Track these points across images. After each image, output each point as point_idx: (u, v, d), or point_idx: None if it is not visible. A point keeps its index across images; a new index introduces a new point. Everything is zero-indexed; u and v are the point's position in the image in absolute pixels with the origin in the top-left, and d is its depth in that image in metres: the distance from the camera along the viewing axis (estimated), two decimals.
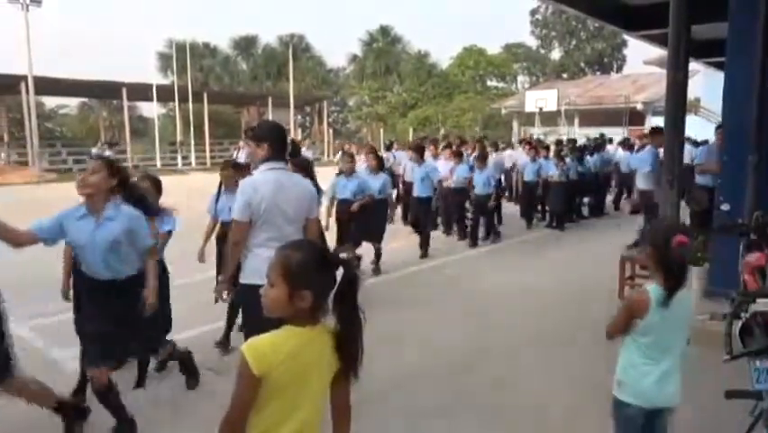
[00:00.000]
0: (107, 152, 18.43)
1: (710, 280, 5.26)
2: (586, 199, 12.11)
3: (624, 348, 2.36)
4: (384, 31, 49.84)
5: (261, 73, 49.18)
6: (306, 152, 17.42)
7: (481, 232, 9.20)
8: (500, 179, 10.48)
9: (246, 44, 50.49)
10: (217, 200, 4.84)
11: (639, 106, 29.73)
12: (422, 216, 8.39)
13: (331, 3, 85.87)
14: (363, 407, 3.60)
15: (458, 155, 9.49)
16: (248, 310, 3.33)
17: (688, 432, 3.24)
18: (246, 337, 3.32)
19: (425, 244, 8.13)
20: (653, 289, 2.26)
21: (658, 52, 11.97)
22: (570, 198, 10.84)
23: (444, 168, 9.25)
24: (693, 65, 11.97)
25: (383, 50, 49.08)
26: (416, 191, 8.39)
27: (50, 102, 41.33)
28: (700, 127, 19.02)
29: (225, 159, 6.57)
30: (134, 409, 3.42)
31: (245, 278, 3.20)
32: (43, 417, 3.21)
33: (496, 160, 11.60)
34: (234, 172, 4.74)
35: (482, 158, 9.30)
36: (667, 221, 2.82)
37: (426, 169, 8.45)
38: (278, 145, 3.17)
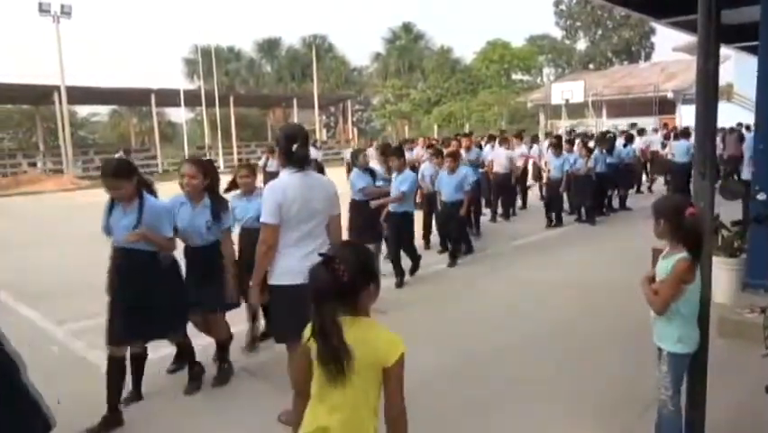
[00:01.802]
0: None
1: (747, 273, 5.13)
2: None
3: (673, 314, 2.62)
4: (406, 28, 49.76)
5: (286, 75, 49.59)
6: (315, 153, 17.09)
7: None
8: (478, 181, 9.11)
9: (269, 47, 50.97)
10: (109, 216, 3.54)
11: (669, 95, 29.08)
12: (404, 234, 6.74)
13: (353, 2, 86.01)
14: None
15: (439, 155, 8.03)
16: (276, 311, 3.37)
17: (727, 427, 3.18)
18: (275, 337, 3.38)
19: (413, 268, 6.88)
20: (687, 256, 2.56)
21: (687, 39, 11.68)
22: (597, 190, 10.57)
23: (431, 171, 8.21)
24: (724, 50, 11.64)
25: (406, 47, 48.99)
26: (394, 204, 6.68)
27: (82, 110, 42.47)
28: (734, 114, 18.53)
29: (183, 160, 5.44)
30: (169, 409, 3.51)
31: (276, 279, 3.24)
32: None
33: (497, 153, 10.78)
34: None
35: (451, 157, 7.61)
36: (675, 197, 2.96)
37: (408, 176, 6.74)
38: (287, 149, 3.22)
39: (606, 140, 12.00)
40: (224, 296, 3.98)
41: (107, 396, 3.45)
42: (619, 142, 12.48)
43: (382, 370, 1.74)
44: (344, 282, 1.70)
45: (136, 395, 3.80)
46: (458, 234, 7.70)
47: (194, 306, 3.92)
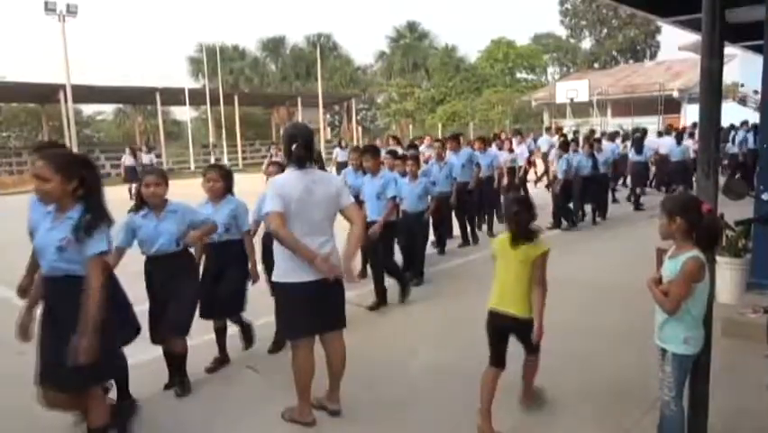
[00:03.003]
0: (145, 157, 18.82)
1: (752, 272, 5.11)
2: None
3: (683, 314, 2.62)
4: (411, 26, 49.68)
5: (290, 73, 49.60)
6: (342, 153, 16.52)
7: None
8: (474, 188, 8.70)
9: (274, 45, 50.99)
10: None
11: (675, 94, 28.93)
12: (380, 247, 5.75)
13: (357, 1, 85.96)
14: (401, 404, 3.64)
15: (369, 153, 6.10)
16: (280, 309, 3.38)
17: (729, 426, 3.17)
18: (277, 333, 3.40)
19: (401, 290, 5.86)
20: (699, 254, 2.58)
21: (693, 37, 11.63)
22: (583, 192, 10.22)
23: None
24: (730, 49, 11.58)
25: (410, 45, 48.91)
26: (371, 212, 5.71)
27: (88, 109, 42.63)
28: (739, 113, 18.45)
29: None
30: (171, 407, 3.53)
31: (279, 277, 3.26)
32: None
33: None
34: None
35: (414, 161, 6.55)
36: (687, 195, 2.92)
37: (382, 181, 5.76)
38: (287, 149, 3.28)
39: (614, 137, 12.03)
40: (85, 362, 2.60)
41: None
42: (655, 139, 12.64)
43: (533, 261, 3.13)
44: (523, 220, 3.14)
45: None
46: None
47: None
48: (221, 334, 4.38)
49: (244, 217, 4.28)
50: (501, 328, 3.30)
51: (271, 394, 3.79)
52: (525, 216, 3.13)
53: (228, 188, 4.31)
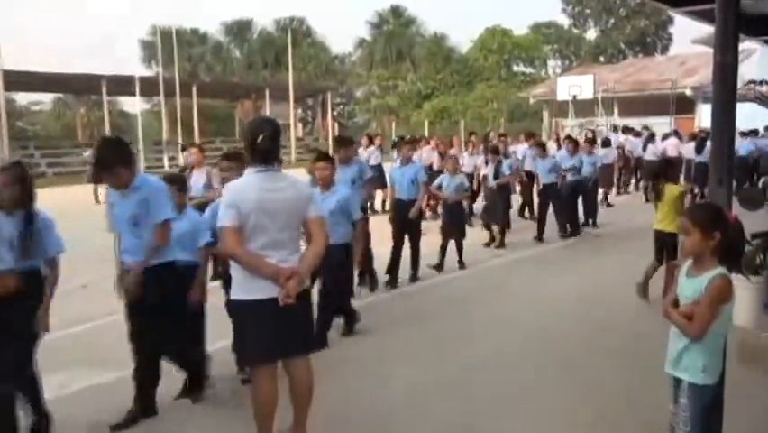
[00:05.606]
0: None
1: None
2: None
3: (707, 339, 2.58)
4: (395, 11, 49.96)
5: (257, 61, 49.52)
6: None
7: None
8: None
9: (239, 29, 50.89)
10: None
11: (688, 92, 29.38)
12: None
13: None
14: (381, 421, 3.63)
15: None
16: (237, 330, 3.36)
17: None
18: (235, 352, 3.38)
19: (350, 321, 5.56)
20: (725, 271, 2.56)
21: (708, 30, 11.90)
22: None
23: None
24: (749, 44, 11.83)
25: (394, 32, 49.16)
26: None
27: (22, 98, 42.03)
28: (758, 114, 18.81)
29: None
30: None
31: (236, 294, 3.22)
32: None
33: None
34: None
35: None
36: (713, 206, 2.84)
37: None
38: (252, 143, 3.15)
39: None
40: None
41: None
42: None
43: (676, 197, 6.04)
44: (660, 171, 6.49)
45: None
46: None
47: None
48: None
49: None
50: (661, 240, 6.10)
51: (230, 427, 3.76)
52: (660, 177, 6.25)
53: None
